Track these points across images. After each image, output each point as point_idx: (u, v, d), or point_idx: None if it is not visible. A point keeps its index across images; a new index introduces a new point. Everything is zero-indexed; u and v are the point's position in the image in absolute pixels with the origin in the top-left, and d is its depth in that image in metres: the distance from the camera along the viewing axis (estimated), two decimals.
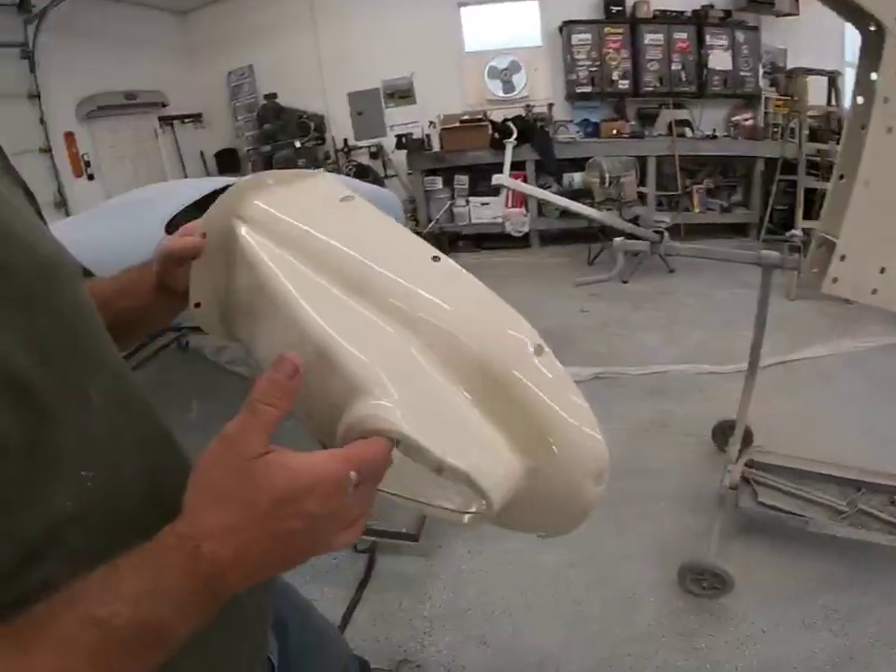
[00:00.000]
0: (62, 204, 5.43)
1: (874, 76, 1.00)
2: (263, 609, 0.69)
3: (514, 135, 5.31)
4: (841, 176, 1.11)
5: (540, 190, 5.00)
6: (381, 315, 0.51)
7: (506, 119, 5.99)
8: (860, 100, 1.05)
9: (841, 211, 1.09)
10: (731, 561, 1.91)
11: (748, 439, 2.33)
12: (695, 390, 3.14)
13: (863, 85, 1.05)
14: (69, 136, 5.53)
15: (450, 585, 2.08)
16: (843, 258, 1.14)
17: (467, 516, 0.49)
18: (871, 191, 1.06)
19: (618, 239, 2.17)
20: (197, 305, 0.64)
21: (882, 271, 1.18)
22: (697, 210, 6.26)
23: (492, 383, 0.46)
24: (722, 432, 2.52)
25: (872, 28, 0.99)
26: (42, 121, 5.31)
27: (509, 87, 6.53)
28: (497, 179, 4.69)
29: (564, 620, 1.93)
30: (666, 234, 2.17)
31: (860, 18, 0.99)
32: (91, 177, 5.74)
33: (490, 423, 0.46)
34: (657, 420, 2.89)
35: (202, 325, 0.67)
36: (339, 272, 0.54)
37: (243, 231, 0.59)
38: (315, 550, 0.46)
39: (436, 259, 0.55)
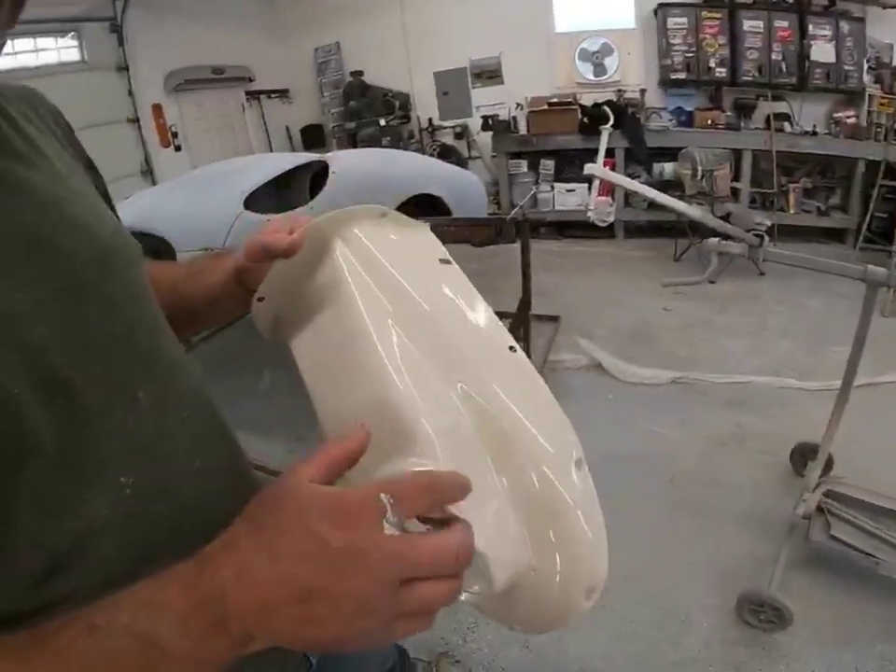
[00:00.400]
0: (148, 173, 5.71)
1: None
2: None
3: (611, 121, 5.09)
4: None
5: (636, 183, 4.73)
6: (445, 383, 0.50)
7: (600, 103, 5.77)
8: None
9: None
10: (792, 595, 1.79)
11: (828, 466, 2.16)
12: (778, 405, 2.94)
13: None
14: (157, 108, 5.79)
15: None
16: None
17: (465, 594, 0.45)
18: None
19: (712, 239, 2.02)
20: (261, 299, 0.63)
21: None
22: (792, 211, 5.83)
23: (529, 479, 0.46)
24: (802, 455, 2.35)
25: None
26: (130, 93, 5.57)
27: (600, 70, 6.28)
28: (589, 169, 4.48)
29: (611, 633, 1.85)
30: (766, 238, 2.01)
31: None
32: (177, 148, 6.00)
33: (515, 515, 0.46)
34: (735, 433, 2.73)
35: (256, 318, 0.65)
36: (415, 326, 0.54)
37: (341, 249, 0.59)
38: (339, 603, 0.36)
39: (512, 349, 0.54)
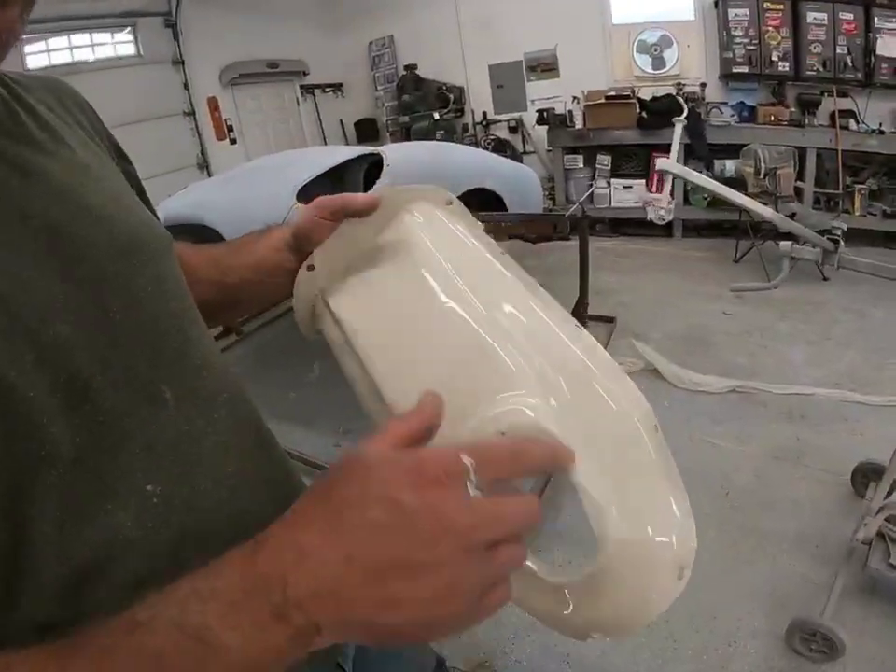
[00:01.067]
0: (203, 166, 5.84)
1: None
2: None
3: (685, 112, 4.89)
4: None
5: (711, 181, 4.52)
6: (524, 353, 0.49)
7: (660, 97, 5.62)
8: None
9: None
10: (846, 625, 1.69)
11: (892, 488, 2.04)
12: (840, 420, 2.79)
13: None
14: (212, 101, 5.92)
15: None
16: None
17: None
18: None
19: (784, 243, 1.91)
20: (311, 268, 0.61)
21: None
22: (858, 213, 5.51)
23: (618, 443, 0.44)
24: (864, 475, 2.22)
25: None
26: (186, 86, 5.70)
27: (658, 63, 6.09)
28: (662, 164, 4.32)
29: (655, 653, 1.79)
30: (842, 243, 1.89)
31: None
32: (233, 141, 6.13)
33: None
34: (793, 448, 2.60)
35: (299, 289, 0.62)
36: (489, 296, 0.54)
37: (412, 218, 0.60)
38: (422, 576, 0.31)
39: (578, 327, 0.52)
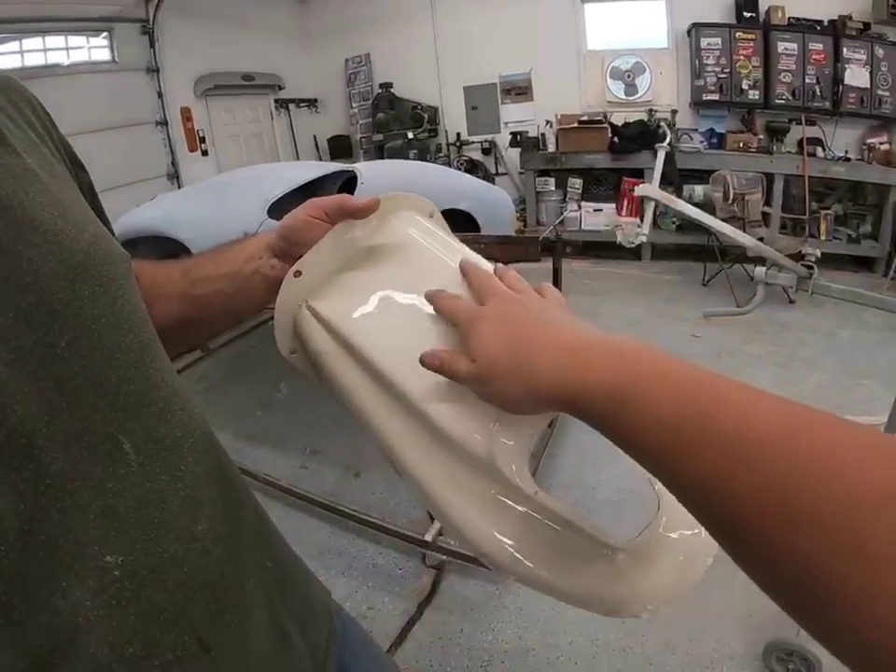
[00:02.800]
0: (174, 177, 5.73)
1: None
2: (319, 652, 0.57)
3: (668, 139, 4.97)
4: None
5: (692, 207, 4.59)
6: None
7: (630, 123, 5.79)
8: None
9: None
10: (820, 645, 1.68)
11: None
12: None
13: None
14: (186, 111, 5.84)
15: (517, 620, 1.96)
16: None
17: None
18: None
19: (760, 269, 1.94)
20: (297, 274, 0.58)
21: None
22: (824, 237, 5.72)
23: None
24: None
25: None
26: (160, 95, 5.62)
27: (631, 89, 6.25)
28: (642, 190, 4.35)
29: None
30: (816, 270, 1.92)
31: None
32: (204, 153, 6.05)
33: None
34: None
35: (283, 297, 0.58)
36: None
37: (404, 223, 0.61)
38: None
39: None
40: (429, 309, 0.51)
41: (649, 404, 0.35)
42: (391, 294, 0.56)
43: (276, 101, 6.89)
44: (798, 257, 2.60)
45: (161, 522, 0.40)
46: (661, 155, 4.71)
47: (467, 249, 0.60)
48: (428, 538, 2.14)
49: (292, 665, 0.52)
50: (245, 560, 0.46)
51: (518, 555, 0.47)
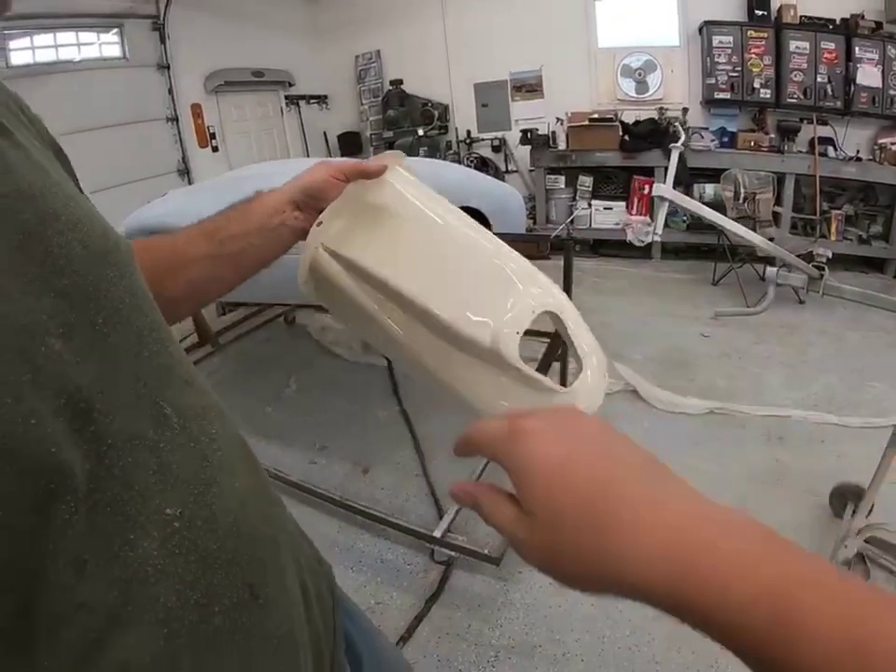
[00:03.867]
0: (185, 172, 5.77)
1: None
2: (311, 594, 0.58)
3: (682, 139, 4.95)
4: None
5: (707, 209, 4.56)
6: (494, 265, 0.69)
7: (642, 121, 5.77)
8: None
9: None
10: None
11: (869, 510, 2.07)
12: (817, 442, 2.82)
13: None
14: (196, 108, 5.86)
15: (524, 616, 1.97)
16: None
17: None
18: None
19: (771, 269, 1.94)
20: (319, 223, 0.69)
21: None
22: (834, 238, 5.68)
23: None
24: (842, 496, 2.25)
25: None
26: (170, 91, 5.64)
27: (642, 87, 6.22)
28: (658, 190, 4.28)
29: None
30: (827, 270, 1.92)
31: None
32: (215, 149, 6.06)
33: None
34: (773, 470, 2.62)
35: (308, 243, 0.70)
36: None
37: (396, 181, 0.73)
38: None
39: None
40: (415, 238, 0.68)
41: (813, 628, 0.29)
42: (396, 237, 0.69)
43: (286, 97, 6.90)
44: (809, 257, 2.58)
45: (207, 477, 0.43)
46: (675, 155, 4.68)
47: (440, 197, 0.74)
48: (437, 533, 2.15)
49: (313, 617, 0.54)
50: (274, 516, 0.49)
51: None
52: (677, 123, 5.19)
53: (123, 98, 4.90)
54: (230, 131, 6.23)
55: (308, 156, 6.96)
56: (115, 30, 5.26)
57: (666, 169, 5.56)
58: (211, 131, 6.00)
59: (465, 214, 0.73)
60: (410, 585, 2.12)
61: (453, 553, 2.16)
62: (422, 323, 0.63)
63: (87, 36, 5.01)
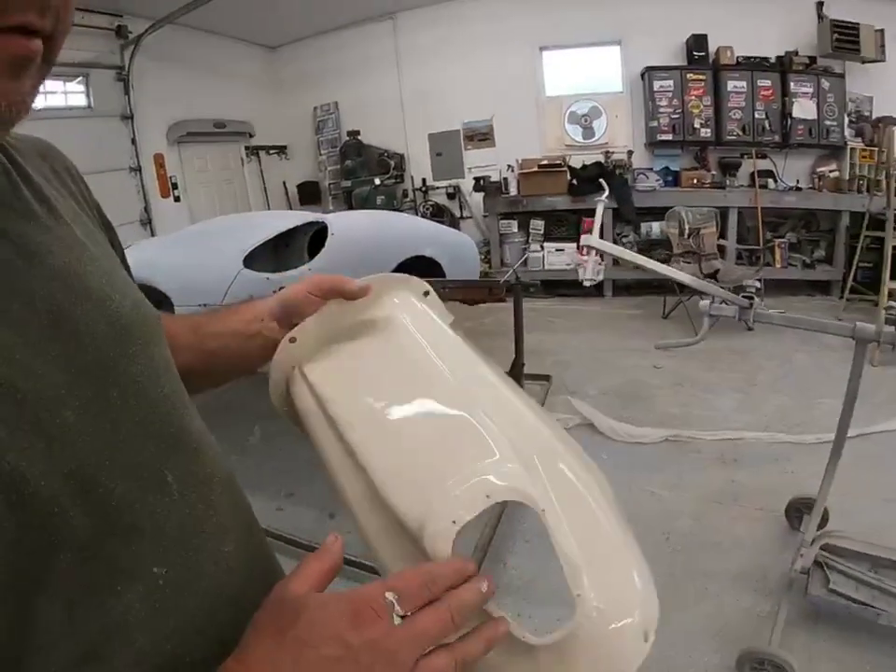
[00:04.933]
0: (147, 223, 5.76)
1: None
2: None
3: (605, 193, 5.21)
4: None
5: (631, 252, 4.82)
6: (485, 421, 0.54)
7: (588, 165, 6.03)
8: None
9: None
10: (794, 651, 1.76)
11: (824, 519, 2.17)
12: (770, 461, 2.94)
13: None
14: (159, 158, 5.88)
15: None
16: None
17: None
18: None
19: (703, 301, 2.06)
20: (292, 340, 0.65)
21: None
22: (779, 265, 5.98)
23: (588, 517, 0.50)
24: (797, 509, 2.35)
25: None
26: (133, 142, 5.66)
27: (588, 132, 6.52)
28: (586, 240, 4.50)
29: None
30: (757, 300, 2.05)
31: None
32: (177, 199, 6.07)
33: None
34: (729, 491, 2.72)
35: (278, 358, 0.65)
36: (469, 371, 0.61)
37: (397, 306, 0.66)
38: None
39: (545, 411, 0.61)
40: (396, 400, 0.57)
41: None
42: (368, 373, 0.62)
43: (247, 148, 6.97)
44: (740, 288, 2.76)
45: (197, 543, 0.46)
46: (600, 208, 4.94)
47: (455, 331, 0.67)
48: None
49: None
50: (261, 579, 0.51)
51: None
52: (601, 179, 5.46)
53: (88, 147, 4.88)
54: (191, 181, 6.26)
55: (269, 207, 7.04)
56: (80, 79, 5.28)
57: (613, 209, 5.82)
58: (173, 181, 6.02)
59: (478, 361, 0.63)
60: None
61: None
62: (366, 487, 0.53)
63: (53, 85, 5.00)
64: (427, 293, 0.70)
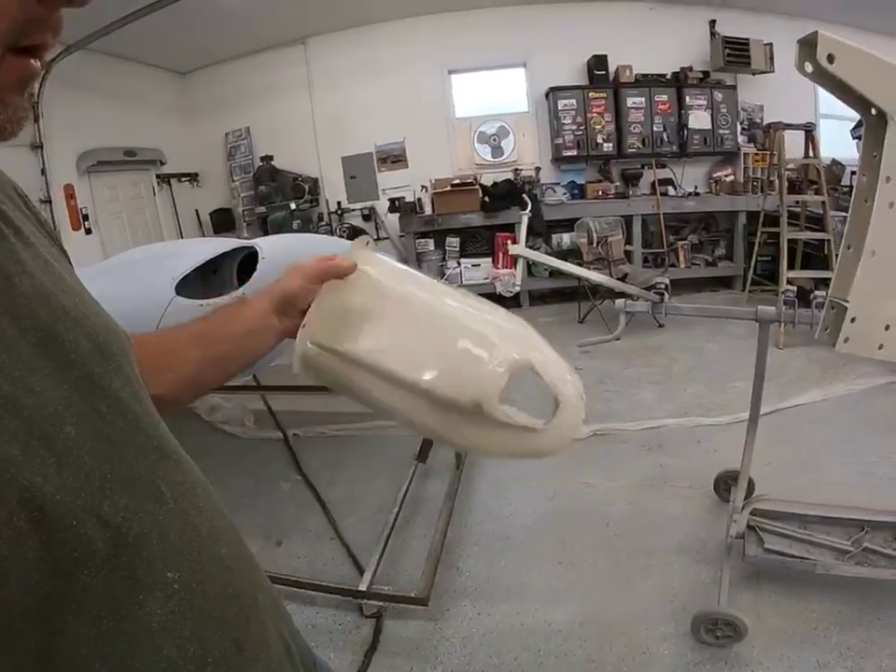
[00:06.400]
0: None
1: (875, 155, 1.10)
2: (293, 649, 0.64)
3: (529, 207, 5.45)
4: (849, 247, 1.21)
5: (558, 261, 5.14)
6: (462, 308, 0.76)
7: (499, 182, 6.27)
8: (863, 178, 1.15)
9: (850, 278, 1.18)
10: (742, 609, 1.91)
11: (750, 488, 2.37)
12: (693, 443, 3.17)
13: (867, 164, 1.15)
14: (69, 189, 5.58)
15: (461, 648, 2.03)
16: (853, 319, 1.23)
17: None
18: (876, 260, 1.15)
19: (619, 301, 2.24)
20: (303, 326, 0.74)
21: (887, 328, 1.27)
22: (683, 266, 6.44)
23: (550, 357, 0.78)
24: (724, 483, 2.56)
25: (873, 112, 1.09)
26: (43, 172, 5.36)
27: (497, 151, 6.78)
28: (514, 250, 4.87)
29: None
30: (666, 295, 2.25)
31: (862, 104, 1.09)
32: (88, 231, 5.76)
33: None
34: (658, 475, 2.91)
35: (299, 345, 0.74)
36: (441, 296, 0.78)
37: (368, 269, 0.78)
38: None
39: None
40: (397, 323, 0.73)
41: None
42: (374, 320, 0.74)
43: (158, 176, 6.72)
44: (651, 287, 3.01)
45: (198, 546, 0.48)
46: (524, 220, 5.23)
47: (406, 267, 0.82)
48: (363, 587, 2.16)
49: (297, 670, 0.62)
50: (254, 579, 0.55)
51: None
52: (524, 195, 5.71)
53: None
54: (102, 212, 5.96)
55: (181, 236, 6.82)
56: None
57: (525, 227, 6.06)
58: (84, 212, 5.72)
59: (436, 282, 0.80)
60: (345, 643, 2.10)
61: (381, 604, 2.18)
62: (413, 393, 0.69)
63: None
64: (368, 243, 0.82)
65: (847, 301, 1.21)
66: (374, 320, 0.74)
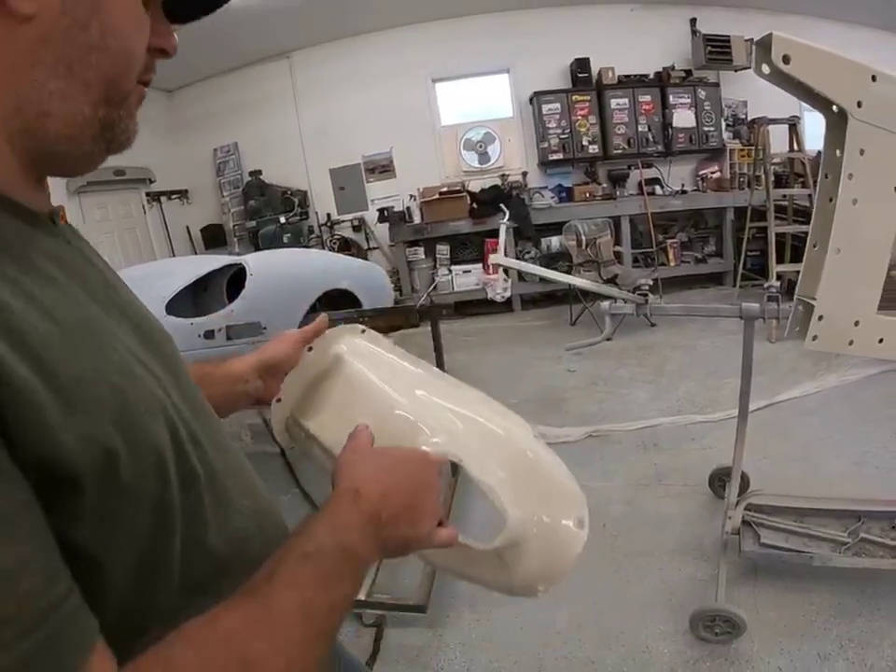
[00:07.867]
0: None
1: (838, 153, 1.12)
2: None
3: (507, 216, 5.50)
4: (814, 245, 1.23)
5: (538, 268, 5.20)
6: (444, 409, 0.75)
7: (486, 189, 6.32)
8: (827, 177, 1.17)
9: (816, 276, 1.20)
10: (740, 604, 1.91)
11: (744, 483, 2.38)
12: (687, 440, 3.19)
13: (829, 162, 1.16)
14: (60, 210, 5.59)
15: (461, 654, 2.03)
16: (821, 318, 1.24)
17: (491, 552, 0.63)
18: (841, 257, 1.17)
19: (604, 303, 2.25)
20: (278, 400, 0.80)
21: (856, 323, 1.28)
22: (673, 264, 6.48)
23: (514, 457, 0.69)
24: (719, 479, 2.56)
25: (834, 109, 1.11)
26: None
27: (484, 158, 6.83)
28: (494, 259, 4.92)
29: None
30: (651, 295, 2.27)
31: (822, 102, 1.11)
32: None
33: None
34: (653, 474, 2.92)
35: (274, 417, 0.81)
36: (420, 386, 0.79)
37: (345, 351, 0.82)
38: (427, 514, 0.60)
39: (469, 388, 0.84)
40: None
41: None
42: (341, 403, 0.79)
43: (148, 194, 6.77)
44: (636, 288, 3.03)
45: (252, 487, 0.62)
46: (503, 230, 5.30)
47: (394, 351, 0.85)
48: (362, 596, 2.16)
49: None
50: (281, 522, 0.67)
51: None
52: (501, 204, 5.76)
53: None
54: (93, 231, 5.97)
55: (173, 253, 6.85)
56: None
57: (514, 228, 6.10)
58: None
59: (419, 371, 0.82)
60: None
61: (380, 612, 2.18)
62: None
63: None
64: (363, 331, 0.87)
65: (814, 300, 1.22)
66: (331, 400, 0.79)
